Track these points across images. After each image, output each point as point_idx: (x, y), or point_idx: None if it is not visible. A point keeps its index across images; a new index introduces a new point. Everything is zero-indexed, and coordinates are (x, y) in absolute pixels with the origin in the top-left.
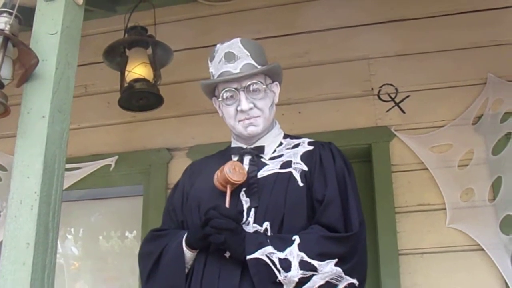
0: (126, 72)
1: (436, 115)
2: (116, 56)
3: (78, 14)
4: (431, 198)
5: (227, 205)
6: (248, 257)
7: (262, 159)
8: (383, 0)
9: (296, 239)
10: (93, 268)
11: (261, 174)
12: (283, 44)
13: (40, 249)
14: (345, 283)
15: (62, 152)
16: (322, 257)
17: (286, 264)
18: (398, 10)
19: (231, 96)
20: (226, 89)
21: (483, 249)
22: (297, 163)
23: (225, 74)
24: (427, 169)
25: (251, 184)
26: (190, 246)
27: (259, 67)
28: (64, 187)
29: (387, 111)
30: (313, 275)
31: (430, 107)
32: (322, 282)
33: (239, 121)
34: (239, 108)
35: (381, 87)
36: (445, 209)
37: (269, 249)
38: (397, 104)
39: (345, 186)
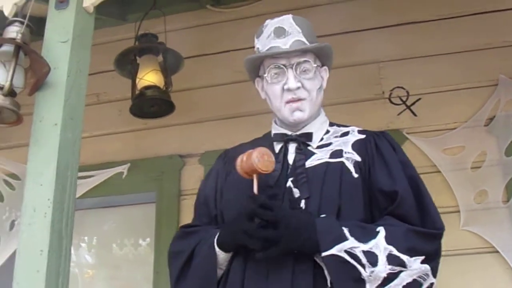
0: (137, 80)
1: (448, 117)
2: (127, 63)
3: (88, 22)
4: (444, 201)
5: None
6: (324, 253)
7: (309, 147)
8: (392, 4)
9: (381, 230)
10: (107, 276)
11: (310, 163)
12: None
13: (54, 256)
14: (429, 283)
15: (75, 159)
16: (411, 253)
17: (372, 258)
18: (407, 13)
19: (278, 74)
20: (273, 65)
21: (497, 251)
22: (348, 152)
23: (273, 49)
24: (440, 171)
25: (299, 174)
26: (222, 248)
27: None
28: (77, 195)
29: (398, 114)
30: (401, 271)
31: (442, 109)
32: (409, 280)
33: (286, 102)
34: (286, 87)
35: (392, 90)
36: (458, 211)
37: (349, 243)
38: (408, 107)
39: (417, 181)
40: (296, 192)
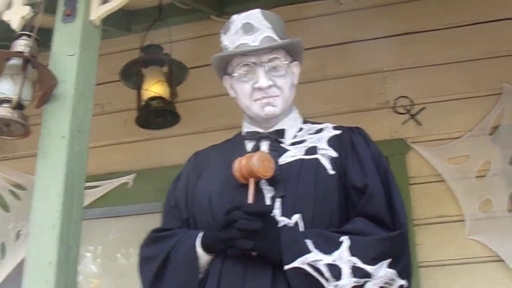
0: (143, 91)
1: (452, 126)
2: (132, 75)
3: (95, 35)
4: (449, 210)
5: (250, 200)
6: (286, 267)
7: (282, 145)
8: (396, 14)
9: (345, 241)
10: (112, 285)
11: (283, 160)
12: None
13: (61, 267)
14: (396, 286)
15: (82, 171)
16: (376, 261)
17: (335, 272)
18: (411, 23)
19: (247, 72)
20: (242, 63)
21: (503, 260)
22: (323, 149)
23: (242, 47)
24: (444, 180)
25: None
26: (207, 248)
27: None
28: (83, 205)
29: (403, 124)
30: (366, 281)
31: (446, 118)
32: None
33: (256, 100)
34: (256, 86)
35: (396, 99)
36: (463, 220)
37: (312, 256)
38: (413, 116)
39: (386, 176)
40: (271, 190)
